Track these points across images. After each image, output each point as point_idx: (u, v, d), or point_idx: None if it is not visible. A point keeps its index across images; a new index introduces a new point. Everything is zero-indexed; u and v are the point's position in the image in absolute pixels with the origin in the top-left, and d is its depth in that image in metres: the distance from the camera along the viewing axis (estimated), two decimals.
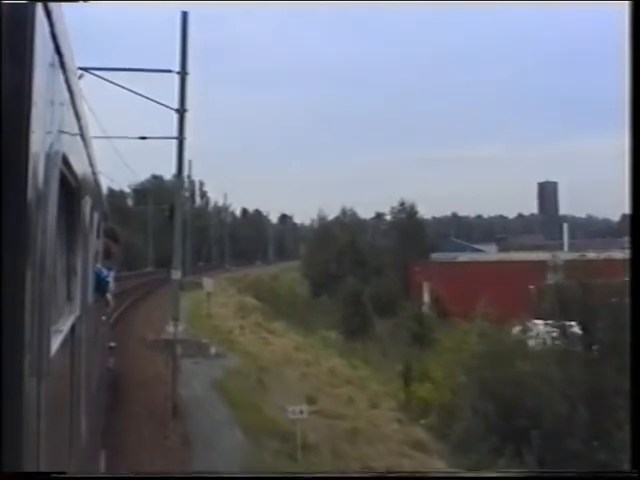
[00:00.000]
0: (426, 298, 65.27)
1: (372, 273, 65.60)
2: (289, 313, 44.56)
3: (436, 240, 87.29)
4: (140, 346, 18.94)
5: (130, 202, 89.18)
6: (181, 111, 19.19)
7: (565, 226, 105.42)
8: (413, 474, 6.07)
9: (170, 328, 18.94)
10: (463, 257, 74.77)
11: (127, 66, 20.38)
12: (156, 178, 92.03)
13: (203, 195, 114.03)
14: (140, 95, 19.56)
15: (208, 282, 27.77)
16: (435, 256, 74.79)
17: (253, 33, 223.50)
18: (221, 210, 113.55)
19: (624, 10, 2.48)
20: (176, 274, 18.20)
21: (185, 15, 19.97)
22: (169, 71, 19.49)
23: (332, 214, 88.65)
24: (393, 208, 76.46)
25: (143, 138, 20.01)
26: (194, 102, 20.14)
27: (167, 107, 19.38)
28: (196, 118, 18.96)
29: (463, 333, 25.33)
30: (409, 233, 72.32)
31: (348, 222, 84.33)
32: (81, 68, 14.42)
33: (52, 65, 2.06)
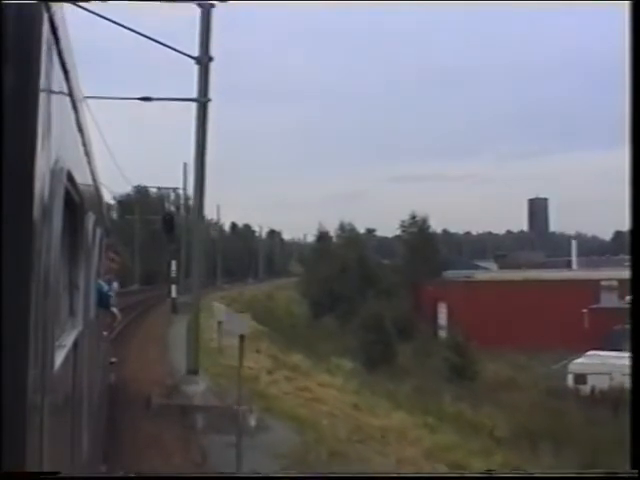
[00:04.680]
0: (442, 320, 59.48)
1: (382, 293, 59.48)
2: (293, 338, 39.02)
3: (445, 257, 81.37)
4: (140, 416, 12.06)
5: (114, 214, 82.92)
6: (205, 60, 13.01)
7: (574, 243, 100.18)
8: (413, 474, 7.48)
9: (186, 386, 12.78)
10: (480, 275, 68.85)
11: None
12: (141, 189, 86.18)
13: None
14: (150, 39, 13.36)
15: (220, 308, 21.67)
16: (446, 274, 69.06)
17: (248, 49, 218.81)
18: (211, 224, 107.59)
19: (624, 10, 2.47)
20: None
21: None
22: None
23: (323, 230, 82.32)
24: (403, 222, 70.48)
25: (146, 99, 13.93)
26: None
27: (185, 55, 13.17)
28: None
29: None
30: (420, 249, 66.36)
31: (347, 238, 78.29)
32: None
33: (57, 76, 1.96)
